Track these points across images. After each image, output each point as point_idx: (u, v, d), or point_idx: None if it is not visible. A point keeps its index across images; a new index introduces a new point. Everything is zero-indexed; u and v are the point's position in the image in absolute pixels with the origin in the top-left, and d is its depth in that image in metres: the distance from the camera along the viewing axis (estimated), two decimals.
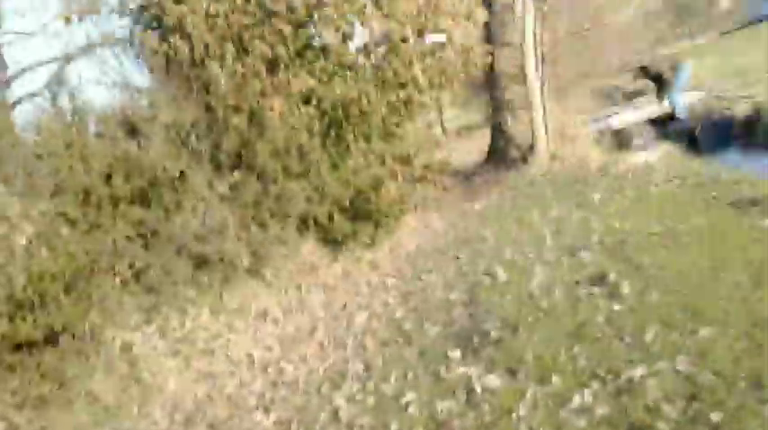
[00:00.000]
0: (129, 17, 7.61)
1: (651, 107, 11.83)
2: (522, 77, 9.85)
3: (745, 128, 9.67)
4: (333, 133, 7.51)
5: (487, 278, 5.58)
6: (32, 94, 14.21)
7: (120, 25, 7.98)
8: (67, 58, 14.84)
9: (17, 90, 13.42)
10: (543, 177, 9.01)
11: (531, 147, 9.77)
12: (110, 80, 7.80)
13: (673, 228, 5.49)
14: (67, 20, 7.45)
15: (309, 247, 7.63)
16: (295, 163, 6.93)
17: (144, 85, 7.86)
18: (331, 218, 7.50)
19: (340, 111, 7.37)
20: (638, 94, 13.55)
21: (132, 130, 7.04)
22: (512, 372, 3.77)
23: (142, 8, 7.31)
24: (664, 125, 11.67)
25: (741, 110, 10.15)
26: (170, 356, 5.22)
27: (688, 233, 5.30)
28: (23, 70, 15.88)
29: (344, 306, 5.94)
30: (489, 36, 10.70)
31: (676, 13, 37.44)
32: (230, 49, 6.38)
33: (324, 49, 7.88)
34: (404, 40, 7.23)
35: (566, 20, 11.64)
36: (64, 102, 6.82)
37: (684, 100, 11.28)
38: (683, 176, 7.21)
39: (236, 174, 6.90)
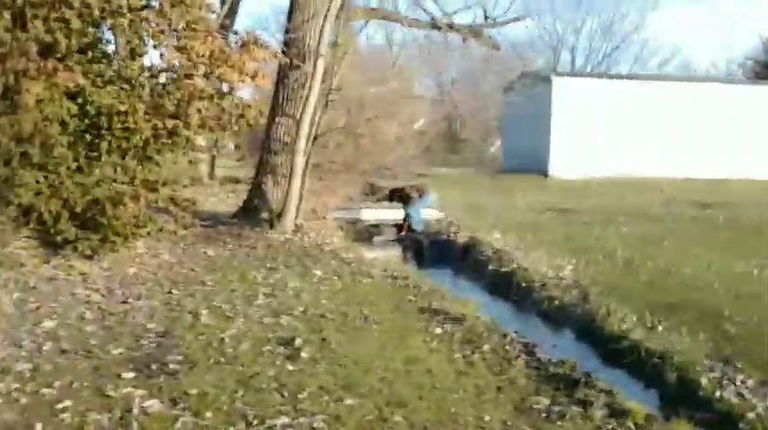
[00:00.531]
0: None
1: (396, 212, 12.98)
2: (291, 149, 10.36)
3: (462, 252, 11.00)
4: (89, 137, 7.32)
5: (190, 317, 5.72)
6: None
7: None
8: None
9: None
10: (282, 244, 9.42)
11: (280, 215, 10.20)
12: None
13: (366, 314, 6.09)
14: None
15: (22, 242, 7.21)
16: (37, 153, 6.61)
17: None
18: (57, 218, 7.19)
19: (104, 119, 7.24)
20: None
21: None
22: (174, 402, 3.92)
23: None
24: (397, 230, 12.86)
25: (462, 236, 11.56)
26: None
27: (378, 322, 5.93)
28: None
29: (37, 308, 5.67)
30: (276, 103, 11.23)
31: (449, 141, 41.56)
32: (5, 17, 6.06)
33: (107, 55, 7.78)
34: (188, 76, 7.37)
35: (353, 113, 12.54)
36: None
37: (422, 216, 12.55)
38: (396, 277, 8.01)
39: None
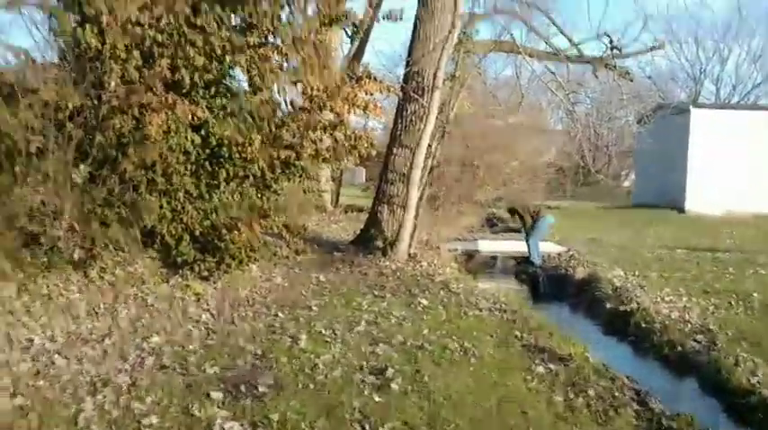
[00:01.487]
0: None
1: (514, 244, 12.61)
2: (408, 179, 10.34)
3: (579, 288, 10.44)
4: (209, 166, 7.64)
5: (289, 340, 5.75)
6: None
7: None
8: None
9: None
10: (393, 272, 9.35)
11: (394, 243, 10.16)
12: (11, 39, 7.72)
13: (466, 348, 5.85)
14: None
15: (147, 262, 7.60)
16: (161, 180, 6.98)
17: (47, 57, 7.85)
18: (179, 241, 7.53)
19: (224, 150, 7.54)
20: (510, 229, 14.44)
21: (10, 95, 6.96)
22: (254, 425, 3.90)
23: None
24: (518, 264, 12.46)
25: (581, 271, 10.99)
26: None
27: (478, 356, 5.67)
28: None
29: (149, 324, 5.91)
30: (394, 135, 11.29)
31: (580, 174, 40.07)
32: (136, 55, 6.48)
33: (230, 90, 8.12)
34: (303, 109, 7.54)
35: (471, 145, 12.36)
36: None
37: (541, 248, 12.09)
38: (505, 310, 7.69)
39: (103, 171, 6.91)
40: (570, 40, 15.00)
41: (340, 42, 16.98)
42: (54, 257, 6.64)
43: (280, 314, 6.70)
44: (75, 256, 6.77)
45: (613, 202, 30.93)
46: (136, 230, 7.15)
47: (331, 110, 7.32)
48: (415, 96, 10.52)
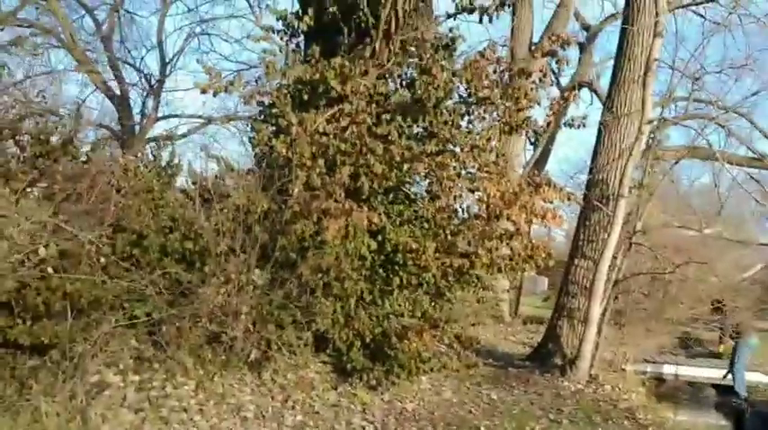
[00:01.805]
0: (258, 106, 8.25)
1: (712, 371, 11.22)
2: (590, 292, 9.66)
3: None
4: (384, 272, 7.62)
5: None
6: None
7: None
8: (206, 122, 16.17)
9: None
10: (571, 395, 8.60)
11: (573, 362, 9.41)
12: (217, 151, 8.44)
13: None
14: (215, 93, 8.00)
15: (318, 366, 7.59)
16: (337, 285, 7.04)
17: (242, 165, 8.47)
18: (350, 347, 7.48)
19: (399, 256, 7.50)
20: (710, 354, 12.95)
21: (207, 200, 7.51)
22: None
23: (269, 105, 7.90)
24: (719, 393, 11.00)
25: None
26: (130, 411, 5.23)
27: None
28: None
29: None
30: (576, 245, 10.74)
31: None
32: (320, 163, 6.73)
33: (408, 197, 8.17)
34: (478, 217, 7.38)
35: (662, 258, 11.41)
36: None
37: (746, 377, 10.61)
38: None
39: (283, 274, 7.12)
40: None
41: (523, 149, 16.84)
42: (232, 357, 6.85)
43: None
44: (252, 357, 6.92)
45: None
46: (308, 334, 7.22)
47: (508, 218, 7.05)
48: (599, 205, 9.98)
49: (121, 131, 17.93)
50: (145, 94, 18.56)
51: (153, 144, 12.51)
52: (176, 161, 7.93)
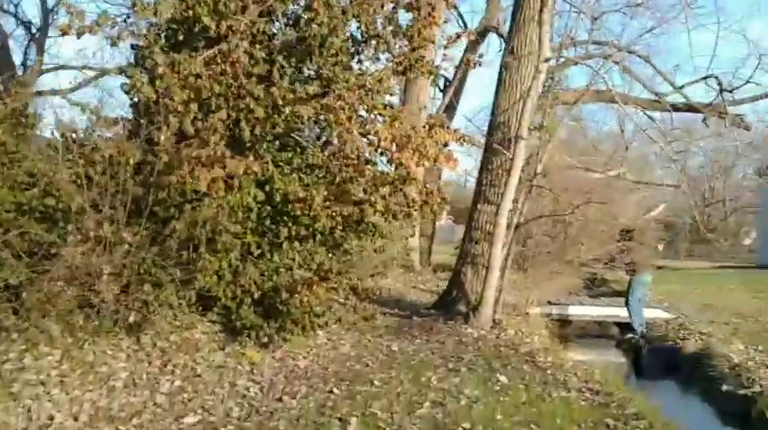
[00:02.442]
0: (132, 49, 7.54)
1: (612, 310, 11.43)
2: (492, 237, 9.53)
3: (690, 365, 9.14)
4: (272, 224, 7.20)
5: (338, 425, 5.05)
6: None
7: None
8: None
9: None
10: (473, 341, 8.50)
11: (477, 308, 9.32)
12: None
13: None
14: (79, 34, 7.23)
15: (205, 326, 7.16)
16: (219, 240, 6.55)
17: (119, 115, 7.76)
18: (239, 304, 7.07)
19: (289, 206, 7.08)
20: (612, 293, 13.23)
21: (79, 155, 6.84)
22: None
23: (141, 48, 7.20)
24: (621, 332, 11.25)
25: (692, 344, 9.68)
26: None
27: None
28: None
29: (189, 400, 5.40)
30: (479, 190, 10.58)
31: (694, 232, 37.59)
32: (193, 109, 6.16)
33: (298, 144, 7.71)
34: (369, 162, 7.01)
35: (563, 201, 11.39)
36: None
37: (644, 314, 10.84)
38: (598, 391, 6.67)
39: (164, 230, 6.59)
40: (673, 85, 13.86)
41: (431, 98, 16.51)
42: (104, 322, 6.32)
43: (335, 390, 6.02)
44: (131, 320, 6.42)
45: (733, 263, 28.51)
46: (191, 292, 6.75)
47: (401, 164, 6.70)
48: (500, 148, 9.79)
49: (2, 84, 16.49)
50: (26, 43, 17.11)
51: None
52: (31, 111, 7.12)
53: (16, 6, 16.99)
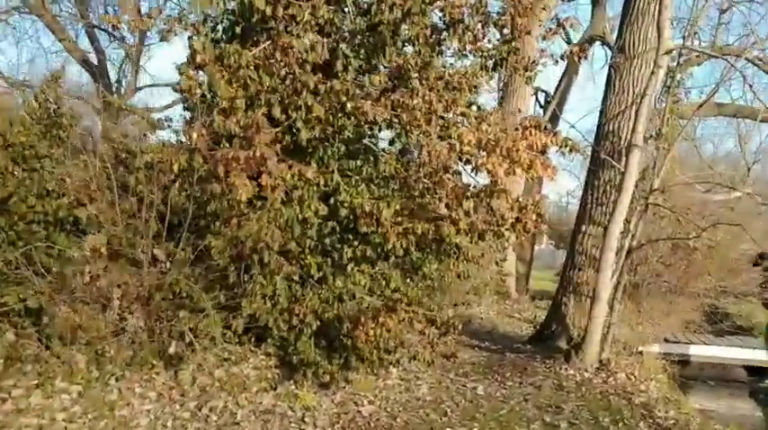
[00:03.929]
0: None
1: (743, 351, 9.50)
2: (599, 263, 7.97)
3: None
4: (333, 242, 6.04)
5: None
6: None
7: None
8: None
9: None
10: (576, 386, 6.97)
11: (580, 346, 7.75)
12: None
13: None
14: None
15: (259, 360, 6.05)
16: (273, 259, 5.44)
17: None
18: (299, 335, 5.94)
19: (355, 223, 5.91)
20: (737, 329, 11.20)
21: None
22: None
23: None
24: (752, 376, 9.32)
25: None
26: None
27: None
28: None
29: None
30: (583, 209, 9.04)
31: None
32: (239, 105, 5.11)
33: (371, 152, 6.53)
34: (446, 169, 5.72)
35: (684, 223, 9.63)
36: None
37: None
38: None
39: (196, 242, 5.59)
40: None
41: (527, 108, 14.98)
42: (142, 352, 5.34)
43: None
44: (171, 351, 5.42)
45: None
46: (240, 321, 5.67)
47: (488, 172, 5.36)
48: (610, 160, 8.25)
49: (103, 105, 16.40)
50: (121, 60, 17.01)
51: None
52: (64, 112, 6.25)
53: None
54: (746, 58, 8.21)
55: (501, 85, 14.52)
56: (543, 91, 18.50)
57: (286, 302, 5.81)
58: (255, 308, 5.48)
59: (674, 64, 8.64)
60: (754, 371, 9.66)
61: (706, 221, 9.01)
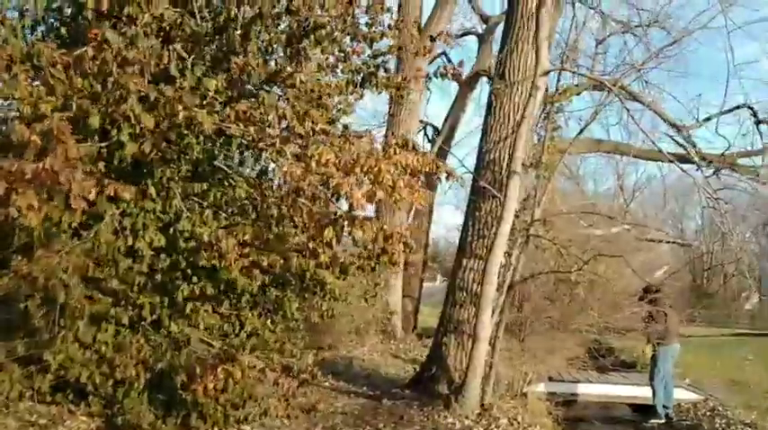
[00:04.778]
0: None
1: (628, 388, 9.17)
2: (479, 300, 7.37)
3: None
4: (173, 279, 5.10)
5: None
6: None
7: None
8: None
9: None
10: None
11: (461, 389, 7.08)
12: None
13: None
14: None
15: (76, 422, 4.96)
16: (73, 299, 4.42)
17: None
18: (127, 391, 4.91)
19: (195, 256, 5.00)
20: (620, 365, 10.96)
21: None
22: None
23: None
24: (637, 413, 8.99)
25: None
26: None
27: None
28: None
29: None
30: (464, 242, 8.48)
31: (694, 295, 35.31)
32: (44, 110, 4.13)
33: (227, 177, 5.65)
34: (298, 191, 4.92)
35: (566, 256, 9.26)
36: None
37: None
38: None
39: None
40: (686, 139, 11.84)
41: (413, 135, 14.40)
42: None
43: None
44: None
45: (735, 328, 26.20)
46: (49, 376, 4.60)
47: (344, 195, 4.61)
48: (490, 188, 7.76)
49: None
50: None
51: None
52: None
53: None
54: (621, 87, 8.01)
55: (386, 116, 14.08)
56: (432, 125, 18.26)
57: (111, 352, 4.80)
58: (62, 359, 4.43)
59: (553, 90, 8.32)
60: (639, 408, 9.34)
61: (588, 255, 8.66)
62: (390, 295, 13.60)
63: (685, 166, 10.78)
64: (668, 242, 15.81)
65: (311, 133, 5.10)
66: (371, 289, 6.54)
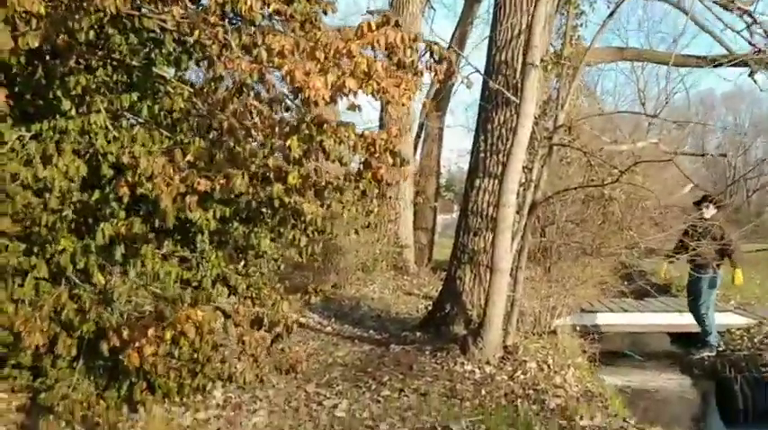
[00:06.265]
0: None
1: (666, 316, 8.01)
2: (495, 224, 6.13)
3: None
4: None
5: None
6: None
7: None
8: None
9: None
10: (475, 388, 5.16)
11: (479, 330, 5.93)
12: None
13: None
14: None
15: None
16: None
17: None
18: (57, 358, 3.83)
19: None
20: (654, 288, 9.72)
21: None
22: None
23: None
24: (677, 344, 7.87)
25: None
26: None
27: None
28: None
29: None
30: (476, 160, 7.19)
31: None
32: None
33: (164, 86, 4.39)
34: (245, 87, 3.65)
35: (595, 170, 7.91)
36: None
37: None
38: None
39: None
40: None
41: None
42: None
43: None
44: None
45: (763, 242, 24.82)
46: None
47: (299, 87, 3.31)
48: (502, 90, 6.41)
49: None
50: None
51: None
52: None
53: None
54: None
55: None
56: (437, 44, 16.56)
57: (26, 311, 3.68)
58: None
59: None
60: (679, 337, 8.21)
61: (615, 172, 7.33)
62: (400, 227, 12.41)
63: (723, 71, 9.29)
64: (701, 155, 14.32)
65: (261, 17, 3.81)
66: (362, 218, 5.40)
